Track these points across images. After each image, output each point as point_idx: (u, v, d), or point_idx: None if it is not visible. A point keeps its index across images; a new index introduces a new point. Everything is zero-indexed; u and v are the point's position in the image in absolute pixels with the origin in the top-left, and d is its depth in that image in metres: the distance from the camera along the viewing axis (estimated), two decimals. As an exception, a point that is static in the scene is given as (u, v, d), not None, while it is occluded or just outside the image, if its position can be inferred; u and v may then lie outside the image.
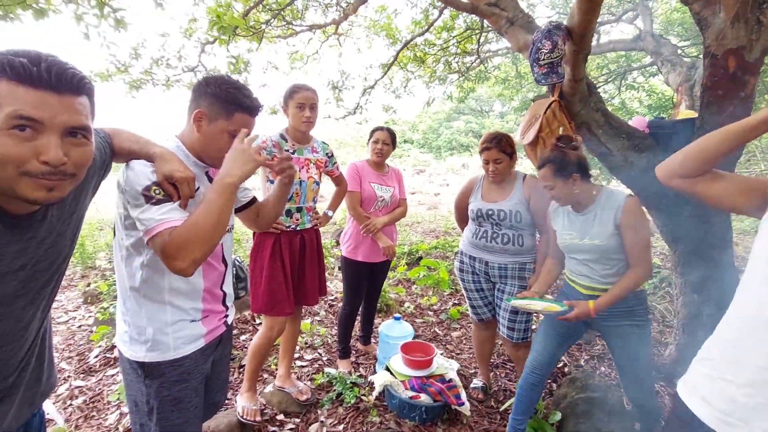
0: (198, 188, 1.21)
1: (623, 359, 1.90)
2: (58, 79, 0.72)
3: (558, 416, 2.26)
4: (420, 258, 5.35)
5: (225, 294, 1.40)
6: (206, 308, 1.32)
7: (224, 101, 1.19)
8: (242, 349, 2.95)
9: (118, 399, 2.37)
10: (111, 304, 2.97)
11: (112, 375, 2.61)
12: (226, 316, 1.42)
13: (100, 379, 2.58)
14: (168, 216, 1.06)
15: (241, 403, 2.18)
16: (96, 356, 2.79)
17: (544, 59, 1.99)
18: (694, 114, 2.54)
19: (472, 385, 2.65)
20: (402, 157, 24.07)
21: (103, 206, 7.13)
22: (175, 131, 1.33)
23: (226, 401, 1.98)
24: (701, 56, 4.56)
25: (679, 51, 4.30)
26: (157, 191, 1.08)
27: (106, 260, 4.83)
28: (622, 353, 1.90)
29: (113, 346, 2.86)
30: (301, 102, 2.08)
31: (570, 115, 2.38)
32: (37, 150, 0.72)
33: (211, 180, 1.31)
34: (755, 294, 0.98)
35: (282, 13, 3.98)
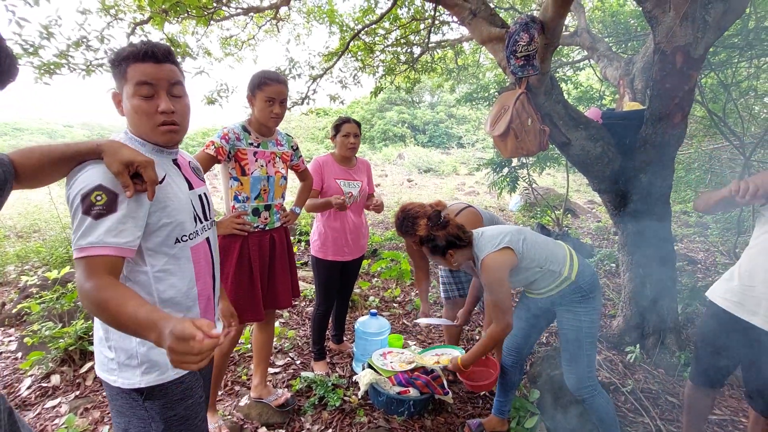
0: (165, 176, 1.07)
1: (561, 341, 1.93)
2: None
3: (537, 394, 2.38)
4: (375, 250, 5.32)
5: (215, 307, 1.27)
6: (204, 317, 1.18)
7: (117, 66, 1.03)
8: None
9: (66, 434, 2.05)
10: (43, 326, 2.55)
11: (54, 407, 2.26)
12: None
13: (39, 413, 2.22)
14: (108, 239, 0.92)
15: None
16: (29, 387, 2.39)
17: (521, 52, 2.04)
18: (639, 105, 2.78)
19: (441, 366, 2.70)
20: (337, 149, 23.75)
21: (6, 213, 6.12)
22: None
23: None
24: (628, 51, 5.02)
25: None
26: (99, 197, 0.92)
27: (16, 273, 4.16)
28: (560, 336, 1.94)
29: (49, 374, 2.48)
30: (271, 96, 1.90)
31: (535, 106, 2.48)
32: None
33: (179, 168, 1.16)
34: None
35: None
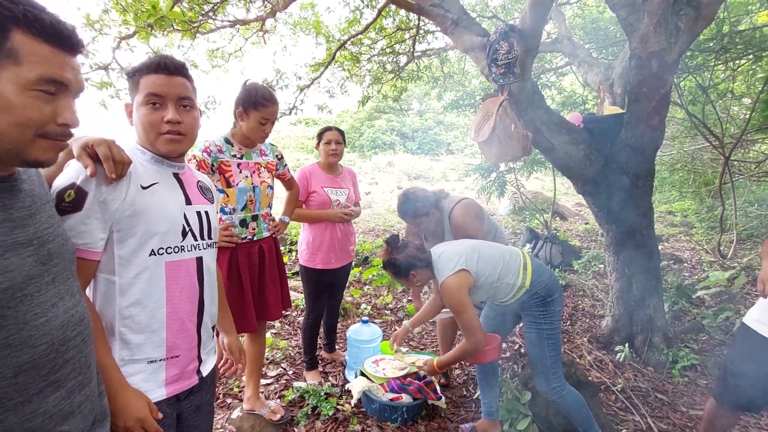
0: (156, 183, 1.07)
1: (525, 344, 2.03)
2: (71, 39, 0.74)
3: (528, 396, 2.39)
4: (366, 258, 5.33)
5: (201, 338, 1.17)
6: (173, 344, 1.09)
7: (132, 77, 1.09)
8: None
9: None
10: None
11: None
12: (201, 362, 1.19)
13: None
14: (72, 240, 0.92)
15: None
16: None
17: (501, 60, 2.09)
18: (619, 110, 2.85)
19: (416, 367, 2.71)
20: (327, 158, 23.77)
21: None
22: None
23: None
24: (609, 57, 5.15)
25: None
26: (70, 195, 0.93)
27: None
28: (525, 339, 2.03)
29: None
30: (267, 117, 1.93)
31: (518, 112, 2.53)
32: (55, 112, 0.73)
33: (180, 182, 1.15)
34: None
35: (214, 6, 3.66)
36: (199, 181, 1.25)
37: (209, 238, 1.20)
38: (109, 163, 0.95)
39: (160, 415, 1.02)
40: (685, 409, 2.46)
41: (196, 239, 1.14)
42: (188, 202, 1.15)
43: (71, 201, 0.92)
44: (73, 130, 0.80)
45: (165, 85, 1.06)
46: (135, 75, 1.08)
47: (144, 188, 1.04)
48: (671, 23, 2.12)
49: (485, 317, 2.20)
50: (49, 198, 0.84)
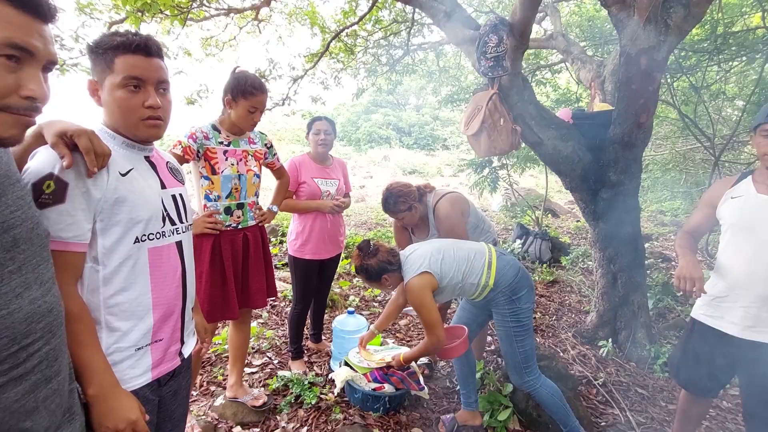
0: (132, 170, 1.04)
1: (498, 339, 2.05)
2: (42, 5, 0.69)
3: (510, 387, 2.42)
4: (357, 250, 5.34)
5: (184, 321, 1.17)
6: (158, 328, 1.09)
7: (102, 53, 1.00)
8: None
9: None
10: None
11: None
12: (183, 344, 1.19)
13: None
14: (59, 233, 0.89)
15: None
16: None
17: (491, 53, 2.09)
18: (608, 106, 2.86)
19: (419, 362, 2.72)
20: (323, 151, 23.72)
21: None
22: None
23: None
24: (604, 55, 5.15)
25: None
26: (50, 186, 0.87)
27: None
28: (497, 336, 2.05)
29: None
30: (255, 107, 1.92)
31: (507, 106, 2.54)
32: (18, 83, 0.67)
33: (153, 166, 1.12)
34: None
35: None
36: (167, 162, 1.22)
37: (186, 221, 1.19)
38: (90, 157, 0.90)
39: (148, 417, 1.01)
40: (664, 404, 2.50)
41: (174, 223, 1.13)
42: (163, 186, 1.13)
43: (51, 193, 0.87)
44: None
45: (145, 68, 1.01)
46: (107, 52, 1.00)
47: (122, 175, 1.01)
48: (661, 21, 2.12)
49: (462, 309, 2.24)
50: (18, 178, 0.76)
